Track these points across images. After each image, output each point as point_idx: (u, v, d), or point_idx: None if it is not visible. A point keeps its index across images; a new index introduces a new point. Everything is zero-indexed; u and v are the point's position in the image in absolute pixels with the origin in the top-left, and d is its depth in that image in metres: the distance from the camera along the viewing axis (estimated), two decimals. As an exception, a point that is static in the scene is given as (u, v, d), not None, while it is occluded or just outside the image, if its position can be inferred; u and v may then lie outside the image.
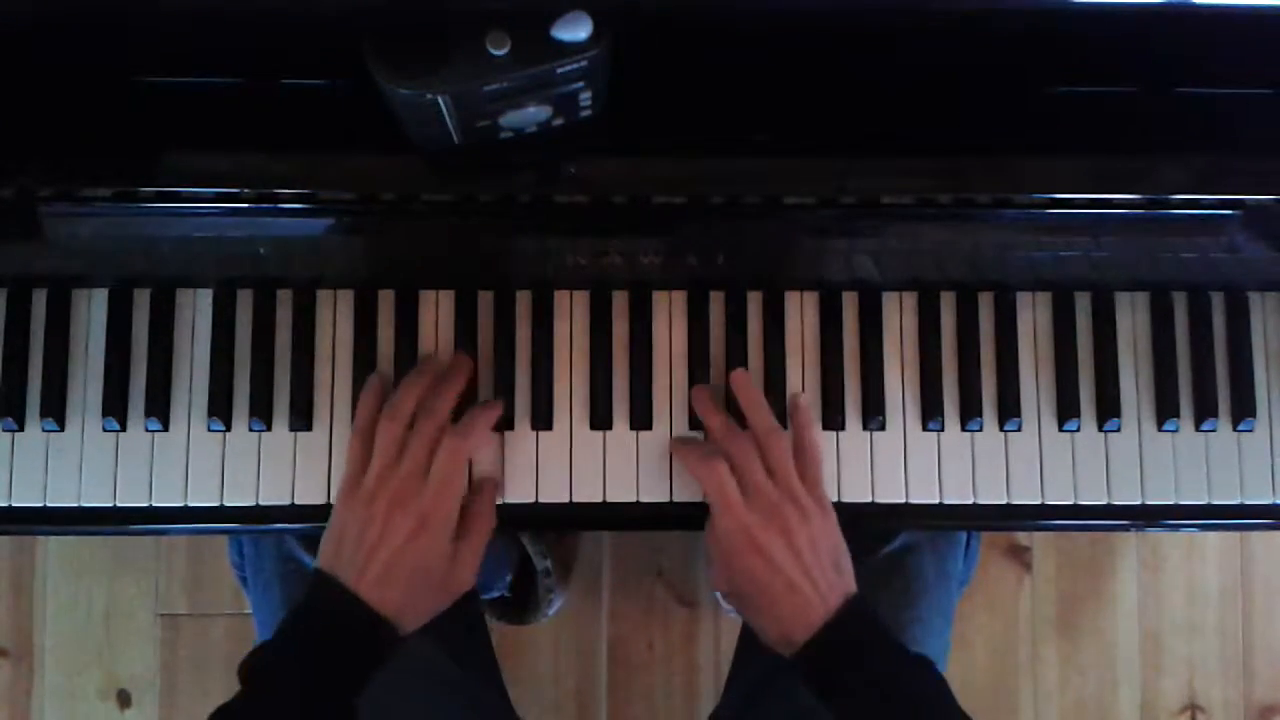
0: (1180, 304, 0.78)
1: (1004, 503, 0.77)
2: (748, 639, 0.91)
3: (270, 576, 0.81)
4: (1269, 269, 0.76)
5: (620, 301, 0.77)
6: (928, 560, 0.83)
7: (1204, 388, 0.77)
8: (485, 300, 0.77)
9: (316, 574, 0.68)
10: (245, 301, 0.76)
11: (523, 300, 0.77)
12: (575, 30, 0.54)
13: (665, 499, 0.76)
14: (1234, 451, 0.77)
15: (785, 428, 0.75)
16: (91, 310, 0.76)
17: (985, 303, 0.78)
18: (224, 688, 0.65)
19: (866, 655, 0.68)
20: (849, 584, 0.70)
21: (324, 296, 0.76)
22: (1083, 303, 0.78)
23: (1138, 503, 0.77)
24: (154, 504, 0.75)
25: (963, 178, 0.67)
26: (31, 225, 0.67)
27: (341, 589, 0.67)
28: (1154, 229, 0.69)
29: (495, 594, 1.20)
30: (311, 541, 0.79)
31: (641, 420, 0.76)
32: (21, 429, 0.75)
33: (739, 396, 0.74)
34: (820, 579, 0.68)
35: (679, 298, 0.77)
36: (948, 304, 0.78)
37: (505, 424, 0.76)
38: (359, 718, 0.65)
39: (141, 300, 0.76)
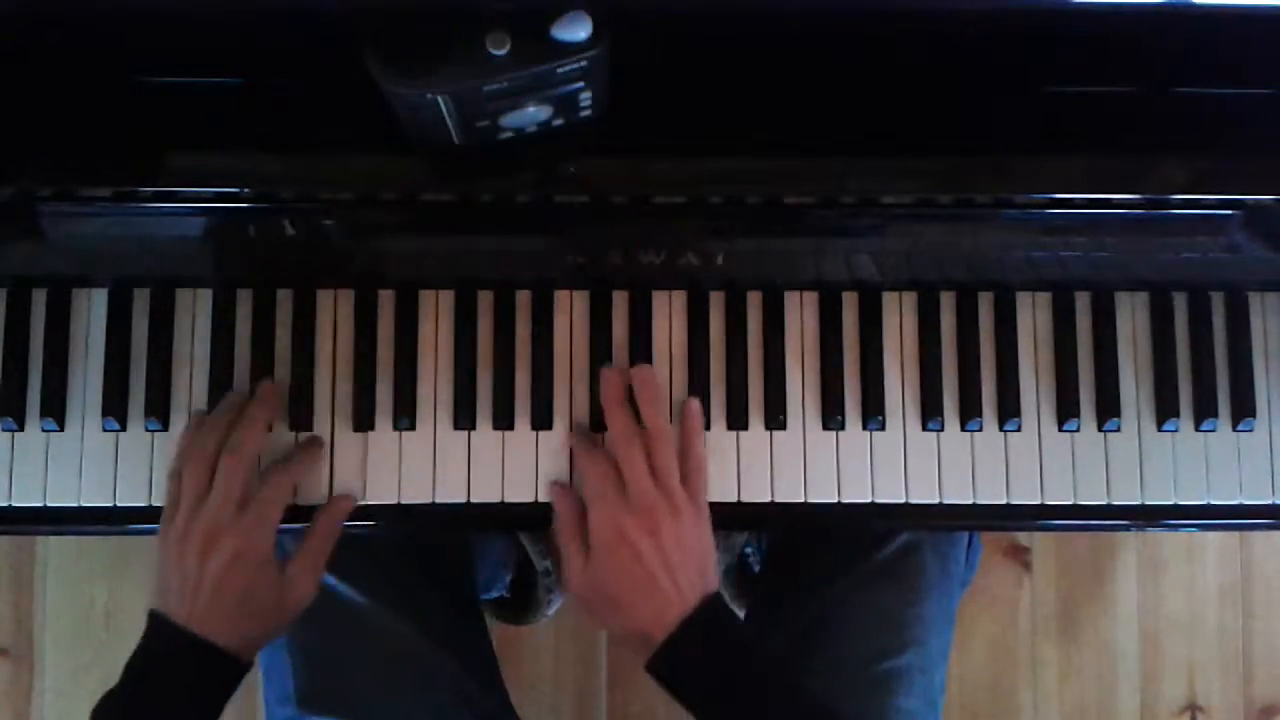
0: (1180, 304, 0.78)
1: (1004, 503, 0.77)
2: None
3: None
4: (1269, 269, 0.76)
5: (620, 301, 0.77)
6: (930, 559, 0.83)
7: (1204, 388, 0.77)
8: (485, 300, 0.77)
9: (150, 615, 0.69)
10: (245, 301, 0.76)
11: (523, 300, 0.77)
12: (575, 30, 0.54)
13: (665, 499, 0.76)
14: (1234, 451, 0.77)
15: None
16: (91, 310, 0.76)
17: (985, 303, 0.78)
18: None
19: (723, 653, 0.68)
20: (710, 587, 0.70)
21: (324, 296, 0.76)
22: (1083, 303, 0.78)
23: (1137, 503, 0.77)
24: (154, 504, 0.75)
25: (963, 178, 0.67)
26: (31, 225, 0.67)
27: (174, 627, 0.68)
28: (1154, 229, 0.70)
29: (495, 594, 1.20)
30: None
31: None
32: (21, 429, 0.75)
33: (637, 392, 0.74)
34: (683, 579, 0.68)
35: (679, 298, 0.77)
36: (948, 304, 0.78)
37: (505, 424, 0.76)
38: None
39: (141, 300, 0.76)
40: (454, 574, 0.89)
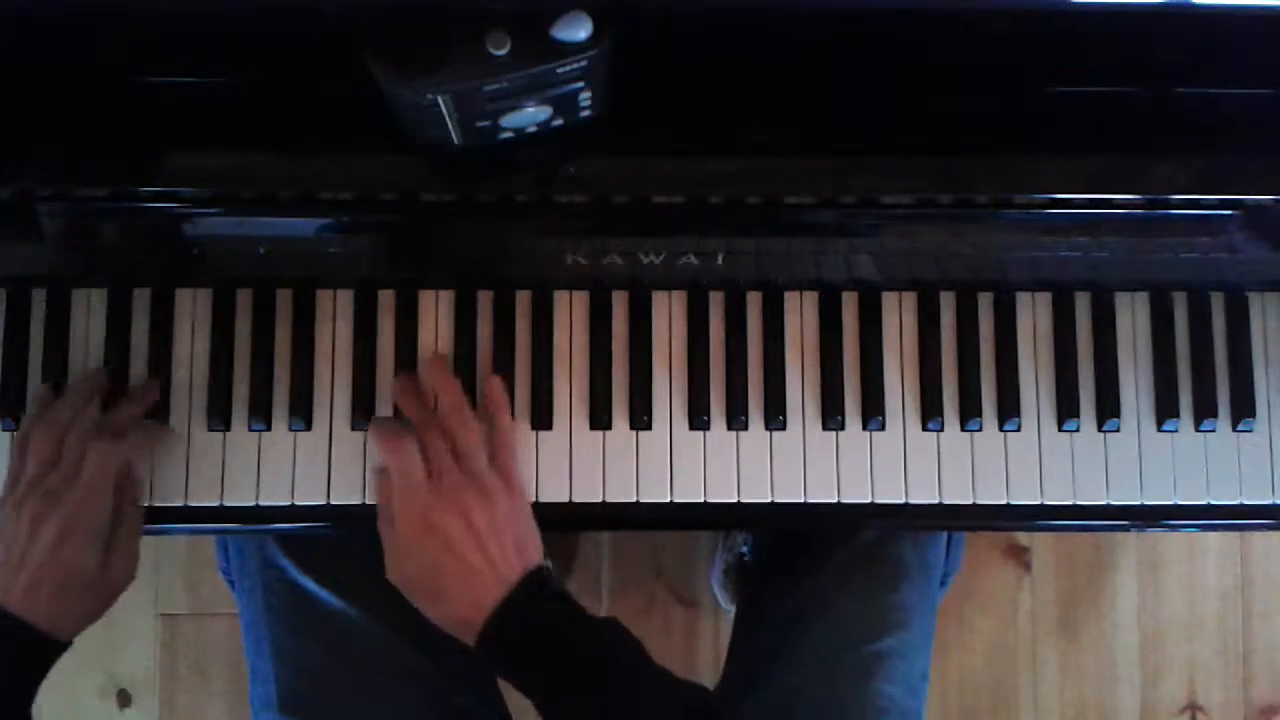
0: (1180, 304, 0.78)
1: (1003, 503, 0.77)
2: (741, 623, 0.91)
3: (254, 583, 0.81)
4: (1269, 269, 0.76)
5: (620, 301, 0.77)
6: (908, 548, 0.84)
7: (1203, 388, 0.77)
8: (485, 300, 0.77)
9: None
10: (245, 301, 0.76)
11: (523, 300, 0.77)
12: (575, 30, 0.54)
13: (665, 499, 0.76)
14: (1233, 452, 0.77)
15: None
16: (91, 310, 0.76)
17: (985, 303, 0.78)
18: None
19: (549, 626, 0.67)
20: (530, 562, 0.69)
21: (324, 296, 0.76)
22: (1083, 303, 0.78)
23: (1137, 503, 0.77)
24: (154, 504, 0.75)
25: (963, 178, 0.67)
26: (31, 225, 0.67)
27: None
28: (1154, 229, 0.70)
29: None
30: (294, 547, 0.79)
31: (641, 420, 0.76)
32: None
33: (432, 381, 0.74)
34: (500, 560, 0.67)
35: (679, 298, 0.77)
36: (948, 304, 0.78)
37: (505, 424, 0.76)
38: None
39: (141, 300, 0.76)
40: None
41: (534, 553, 0.70)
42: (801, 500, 0.76)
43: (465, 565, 0.67)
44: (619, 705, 0.65)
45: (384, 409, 0.76)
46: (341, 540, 0.79)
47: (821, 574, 0.83)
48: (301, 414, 0.75)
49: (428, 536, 0.68)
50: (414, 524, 0.68)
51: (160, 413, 0.75)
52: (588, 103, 0.61)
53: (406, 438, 0.70)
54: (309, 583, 0.78)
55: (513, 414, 0.75)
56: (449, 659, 0.80)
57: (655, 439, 0.76)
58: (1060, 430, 0.77)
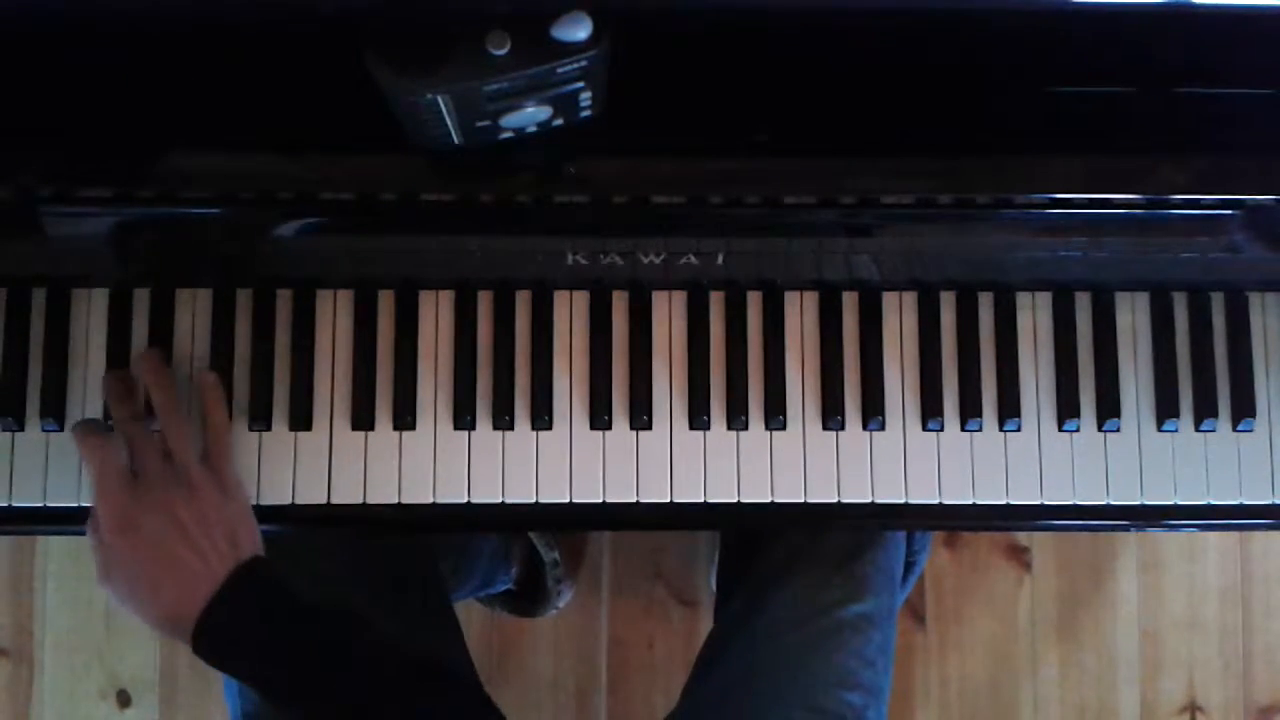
0: (1180, 304, 0.78)
1: (1003, 503, 0.77)
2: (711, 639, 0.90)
3: None
4: (1269, 269, 0.76)
5: (620, 301, 0.77)
6: (878, 553, 0.83)
7: (1204, 388, 0.77)
8: (485, 300, 0.77)
9: None
10: (245, 301, 0.76)
11: (523, 300, 0.77)
12: (575, 30, 0.54)
13: (665, 499, 0.76)
14: (1233, 452, 0.77)
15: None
16: (91, 310, 0.76)
17: (985, 303, 0.78)
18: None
19: (265, 618, 0.66)
20: (243, 554, 0.68)
21: (324, 296, 0.76)
22: (1083, 303, 0.78)
23: (1137, 503, 0.77)
24: (154, 504, 0.74)
25: (963, 178, 0.67)
26: (31, 225, 0.67)
27: None
28: (1154, 229, 0.70)
29: (500, 588, 1.20)
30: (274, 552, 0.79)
31: (641, 420, 0.76)
32: (21, 429, 0.75)
33: (144, 377, 0.73)
34: (211, 554, 0.67)
35: (679, 298, 0.77)
36: (948, 304, 0.78)
37: (505, 425, 0.76)
38: None
39: (141, 300, 0.76)
40: (415, 583, 0.87)
41: (248, 547, 0.69)
42: (801, 500, 0.76)
43: (173, 562, 0.66)
44: (343, 691, 0.65)
45: (384, 409, 0.76)
46: (298, 557, 0.77)
47: (779, 547, 0.83)
48: (301, 414, 0.75)
49: (129, 534, 0.67)
50: (114, 523, 0.67)
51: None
52: (588, 103, 0.61)
53: (107, 437, 0.69)
54: None
55: (230, 414, 0.74)
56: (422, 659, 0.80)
57: (655, 439, 0.76)
58: (1060, 430, 0.77)
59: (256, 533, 0.70)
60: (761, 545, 0.85)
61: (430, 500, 0.75)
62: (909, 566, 0.90)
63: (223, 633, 0.65)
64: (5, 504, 0.75)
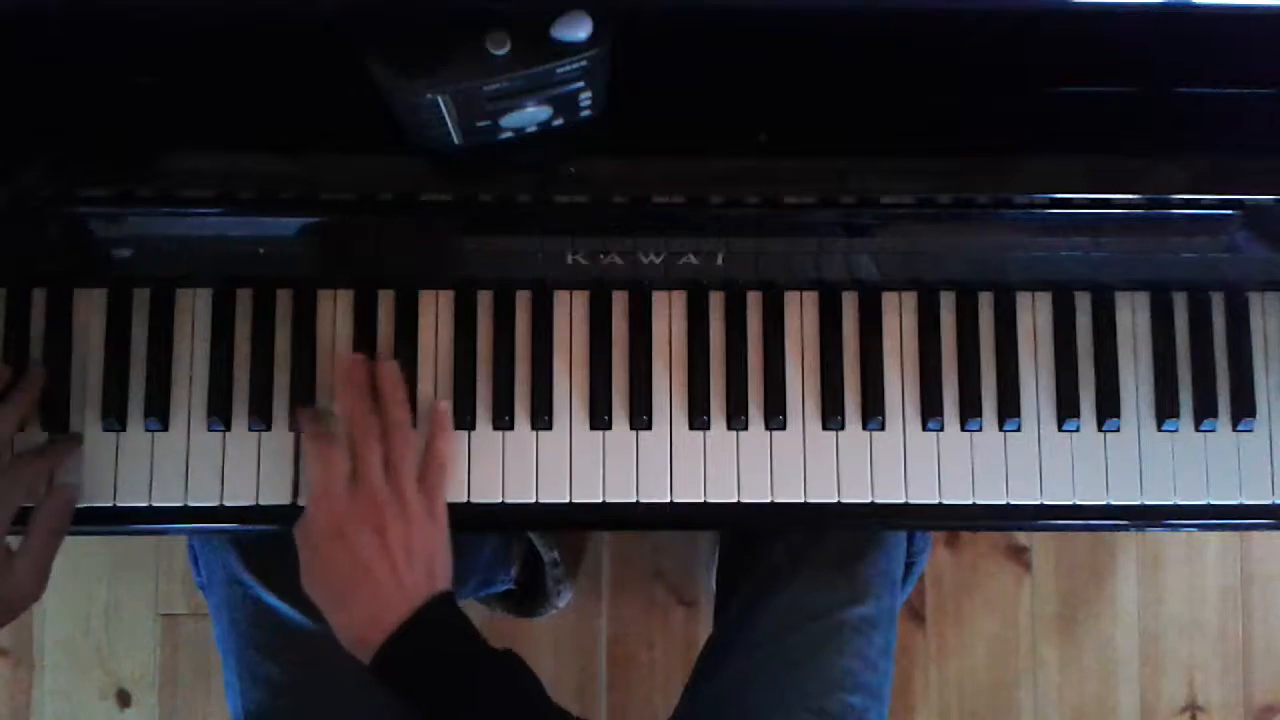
0: (1180, 304, 0.78)
1: (1003, 503, 0.77)
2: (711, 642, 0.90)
3: (221, 599, 0.81)
4: (1269, 269, 0.76)
5: (620, 301, 0.77)
6: (879, 555, 0.83)
7: (1204, 388, 0.77)
8: (485, 300, 0.77)
9: None
10: (245, 301, 0.76)
11: (523, 300, 0.77)
12: (575, 30, 0.54)
13: (665, 499, 0.76)
14: (1233, 452, 0.77)
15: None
16: (91, 310, 0.76)
17: (985, 303, 0.78)
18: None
19: (446, 653, 0.67)
20: (437, 587, 0.68)
21: (324, 296, 0.76)
22: (1083, 303, 0.78)
23: (1137, 503, 0.77)
24: (154, 504, 0.75)
25: (963, 178, 0.67)
26: (31, 225, 0.67)
27: None
28: (1154, 229, 0.70)
29: (500, 588, 1.20)
30: (256, 563, 0.79)
31: (641, 420, 0.76)
32: (21, 429, 0.75)
33: (381, 383, 0.73)
34: (408, 580, 0.67)
35: (679, 298, 0.77)
36: (948, 304, 0.78)
37: (505, 425, 0.76)
38: None
39: (141, 300, 0.76)
40: None
41: (443, 580, 0.69)
42: (801, 500, 0.76)
43: (372, 581, 0.66)
44: None
45: (384, 409, 0.75)
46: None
47: (779, 548, 0.83)
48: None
49: (335, 542, 0.67)
50: (326, 529, 0.68)
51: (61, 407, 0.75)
52: (588, 103, 0.61)
53: (335, 439, 0.69)
54: (271, 598, 0.78)
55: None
56: None
57: (655, 439, 0.76)
58: (1060, 430, 0.77)
59: (450, 566, 0.70)
60: (761, 546, 0.85)
61: (430, 500, 0.75)
62: (909, 567, 0.90)
63: (405, 665, 0.66)
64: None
